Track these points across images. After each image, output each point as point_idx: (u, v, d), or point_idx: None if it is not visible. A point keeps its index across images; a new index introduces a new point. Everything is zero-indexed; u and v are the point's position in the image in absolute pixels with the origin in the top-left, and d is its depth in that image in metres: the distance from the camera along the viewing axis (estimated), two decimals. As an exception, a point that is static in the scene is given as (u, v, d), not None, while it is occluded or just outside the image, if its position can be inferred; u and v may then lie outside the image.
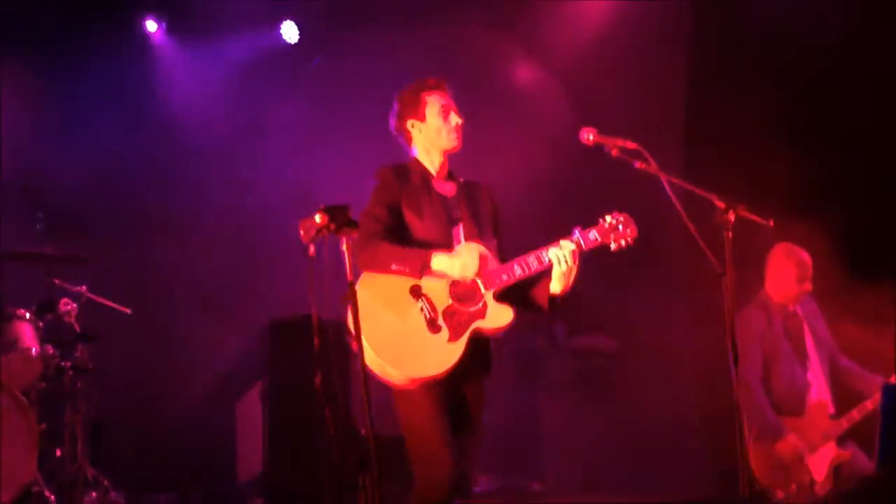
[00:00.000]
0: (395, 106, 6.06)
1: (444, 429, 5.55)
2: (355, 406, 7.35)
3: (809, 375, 7.85)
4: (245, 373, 8.59)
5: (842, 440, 7.71)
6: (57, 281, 8.68)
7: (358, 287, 5.45)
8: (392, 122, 6.08)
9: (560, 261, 5.67)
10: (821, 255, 8.12)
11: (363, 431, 6.90)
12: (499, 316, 5.68)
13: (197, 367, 10.51)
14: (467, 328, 5.60)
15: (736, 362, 5.35)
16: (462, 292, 5.64)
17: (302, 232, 5.22)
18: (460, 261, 5.62)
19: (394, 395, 5.64)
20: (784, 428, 7.67)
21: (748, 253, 5.90)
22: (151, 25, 11.00)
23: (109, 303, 8.80)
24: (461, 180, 6.03)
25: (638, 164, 5.75)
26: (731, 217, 5.52)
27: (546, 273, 5.75)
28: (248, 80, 11.16)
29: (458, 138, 5.94)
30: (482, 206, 5.98)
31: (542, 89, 10.88)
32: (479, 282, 5.66)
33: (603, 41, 10.38)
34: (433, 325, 5.56)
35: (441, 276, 5.64)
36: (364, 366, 5.21)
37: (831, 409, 7.78)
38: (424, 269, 5.59)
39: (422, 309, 5.57)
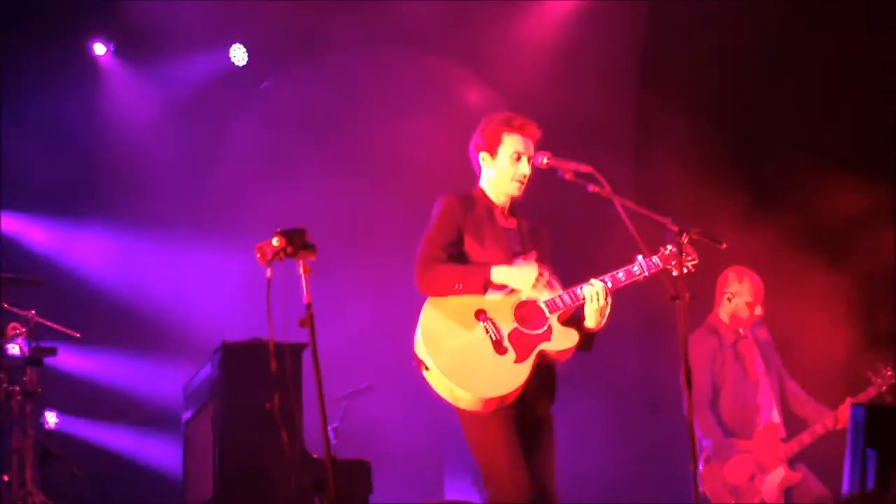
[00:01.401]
0: (477, 130, 6.03)
1: (515, 450, 5.61)
2: (308, 429, 7.33)
3: (759, 398, 7.88)
4: (196, 396, 8.52)
5: (792, 463, 7.75)
6: (6, 305, 8.58)
7: (424, 309, 5.64)
8: (471, 143, 6.06)
9: (592, 298, 5.68)
10: (768, 270, 8.21)
11: (315, 455, 6.91)
12: (564, 338, 5.72)
13: (147, 390, 10.46)
14: (533, 350, 5.63)
15: (689, 385, 5.37)
16: (527, 315, 5.69)
17: (259, 255, 5.23)
18: (520, 270, 5.65)
19: (462, 418, 5.68)
20: (733, 448, 7.71)
21: (697, 275, 5.93)
22: (100, 48, 10.92)
23: (59, 326, 8.71)
24: (519, 216, 6.04)
25: (592, 188, 5.78)
26: (685, 240, 5.55)
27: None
28: (196, 103, 11.11)
29: (520, 188, 5.93)
30: (543, 243, 6.01)
31: (492, 109, 10.91)
32: (542, 306, 5.70)
33: (553, 59, 10.42)
34: (499, 347, 5.60)
35: (506, 296, 5.69)
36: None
37: (782, 433, 7.81)
38: (487, 284, 5.64)
39: (487, 331, 5.62)
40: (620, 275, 5.74)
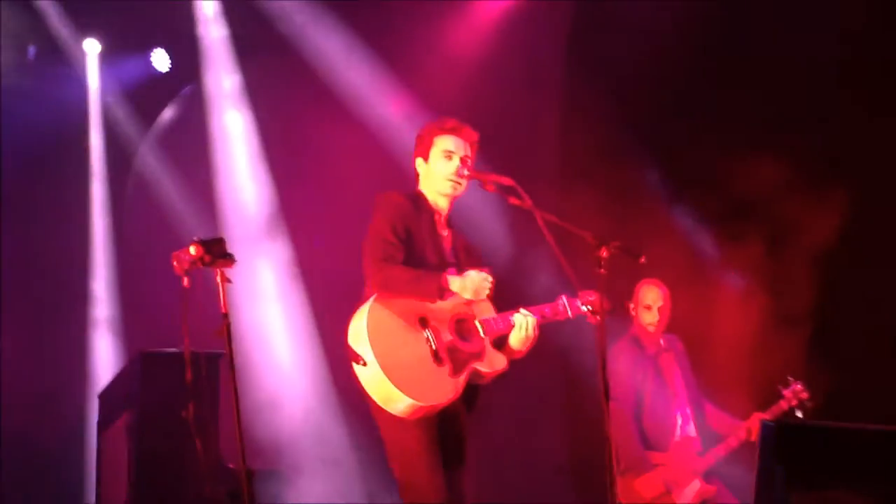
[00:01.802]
0: (415, 141, 6.06)
1: (435, 457, 5.61)
2: (223, 439, 7.28)
3: (677, 411, 7.91)
4: (111, 405, 8.44)
5: (707, 476, 7.80)
6: None
7: (372, 307, 5.55)
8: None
9: (522, 327, 5.77)
10: (688, 284, 8.27)
11: (231, 465, 6.85)
12: (494, 361, 5.78)
13: (62, 399, 10.35)
14: (467, 366, 5.66)
15: (607, 396, 5.39)
16: (464, 331, 5.72)
17: (175, 264, 5.19)
18: (472, 280, 5.67)
19: (383, 420, 5.63)
20: (649, 463, 7.73)
21: (622, 288, 5.99)
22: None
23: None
24: (453, 228, 6.06)
25: (512, 200, 5.80)
26: (604, 253, 5.57)
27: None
28: (119, 107, 11.07)
29: (454, 187, 5.91)
30: (472, 260, 6.01)
31: (416, 118, 10.91)
32: (478, 326, 5.74)
33: (476, 69, 10.42)
34: (437, 357, 5.59)
35: (446, 308, 5.69)
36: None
37: (698, 446, 7.85)
38: (441, 292, 5.62)
39: (428, 339, 5.60)
40: (547, 310, 5.87)
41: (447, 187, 5.91)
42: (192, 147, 10.91)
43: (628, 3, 9.51)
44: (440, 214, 5.98)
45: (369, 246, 5.68)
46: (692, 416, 7.94)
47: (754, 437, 7.60)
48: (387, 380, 5.45)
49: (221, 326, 5.16)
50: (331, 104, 10.41)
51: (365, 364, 5.48)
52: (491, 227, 9.11)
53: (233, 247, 5.41)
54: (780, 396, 7.69)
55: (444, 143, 5.92)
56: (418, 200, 5.93)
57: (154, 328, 9.48)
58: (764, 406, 7.72)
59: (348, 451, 10.00)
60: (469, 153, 5.95)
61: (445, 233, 5.99)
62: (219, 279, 5.18)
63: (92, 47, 10.89)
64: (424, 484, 5.55)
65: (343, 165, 10.08)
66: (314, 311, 10.44)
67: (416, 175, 6.05)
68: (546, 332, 5.91)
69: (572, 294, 5.83)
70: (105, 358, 10.59)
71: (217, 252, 5.15)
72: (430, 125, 6.03)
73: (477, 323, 5.74)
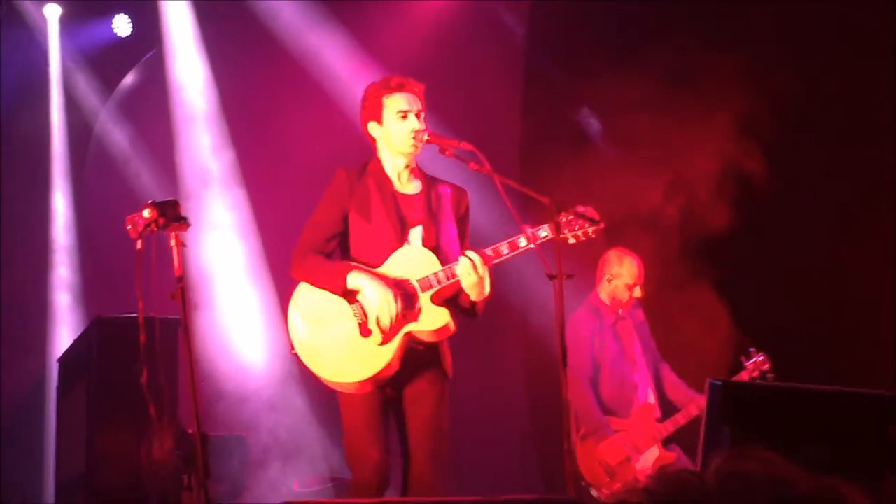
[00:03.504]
0: (361, 103, 5.97)
1: (374, 431, 5.66)
2: (182, 405, 7.27)
3: (637, 378, 7.92)
4: (70, 370, 8.42)
5: (667, 443, 7.81)
6: None
7: (294, 296, 5.71)
8: (360, 119, 6.01)
9: (466, 273, 5.61)
10: (651, 258, 8.23)
11: (190, 430, 6.83)
12: (432, 318, 5.67)
13: (22, 364, 10.34)
14: (398, 331, 5.60)
15: (565, 363, 5.37)
16: (400, 295, 5.61)
17: (130, 227, 5.15)
18: (375, 287, 5.58)
19: (339, 395, 5.72)
20: (610, 428, 7.74)
21: (581, 255, 5.94)
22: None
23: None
24: (429, 181, 5.97)
25: (472, 165, 5.76)
26: (562, 218, 5.55)
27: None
28: (81, 73, 11.03)
29: (415, 144, 5.81)
30: (446, 208, 5.92)
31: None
32: (415, 285, 5.66)
33: (438, 41, 10.36)
34: (364, 329, 5.60)
35: (386, 275, 5.65)
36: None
37: (657, 413, 7.86)
38: (344, 290, 5.62)
39: (355, 313, 5.61)
40: (504, 248, 5.68)
41: (408, 146, 5.82)
42: (153, 112, 10.87)
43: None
44: (402, 173, 5.89)
45: (303, 230, 5.80)
46: (652, 382, 7.95)
47: (714, 407, 7.61)
48: (308, 364, 5.63)
49: (176, 290, 5.12)
50: (290, 66, 10.38)
51: (294, 351, 5.66)
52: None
53: (191, 210, 5.39)
54: (742, 367, 7.70)
55: (396, 103, 5.83)
56: (366, 170, 5.87)
57: (117, 292, 9.44)
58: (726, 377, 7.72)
59: (310, 422, 10.05)
60: (420, 106, 5.88)
61: (412, 190, 5.90)
62: (173, 242, 5.14)
63: (53, 12, 10.84)
64: (360, 458, 5.64)
65: (300, 125, 10.06)
66: (273, 276, 10.45)
67: (373, 140, 5.95)
68: (507, 299, 5.89)
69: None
70: (66, 322, 10.56)
71: (171, 215, 5.11)
72: (373, 87, 5.92)
73: (414, 282, 5.66)
